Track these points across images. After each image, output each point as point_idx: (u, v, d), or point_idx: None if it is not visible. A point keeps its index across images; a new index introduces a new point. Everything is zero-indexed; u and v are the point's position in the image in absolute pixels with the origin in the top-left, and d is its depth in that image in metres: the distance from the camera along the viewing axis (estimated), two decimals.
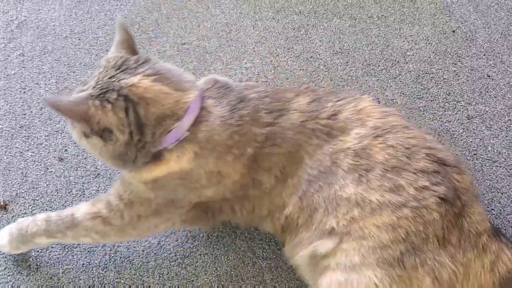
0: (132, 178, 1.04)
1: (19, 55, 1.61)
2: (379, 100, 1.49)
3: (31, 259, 1.16)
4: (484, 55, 1.62)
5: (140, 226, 1.07)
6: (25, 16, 1.73)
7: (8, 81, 1.54)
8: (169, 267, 1.16)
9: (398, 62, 1.60)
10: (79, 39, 1.66)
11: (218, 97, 1.03)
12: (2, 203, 1.24)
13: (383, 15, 1.74)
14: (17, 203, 1.25)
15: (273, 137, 1.01)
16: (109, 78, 0.94)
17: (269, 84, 1.53)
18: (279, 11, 1.75)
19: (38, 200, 1.26)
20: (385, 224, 0.92)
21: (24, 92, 1.51)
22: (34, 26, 1.70)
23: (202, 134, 0.96)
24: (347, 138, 0.99)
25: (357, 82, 1.54)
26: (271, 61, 1.60)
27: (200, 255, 1.17)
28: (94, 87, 0.94)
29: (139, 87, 0.93)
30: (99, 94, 0.92)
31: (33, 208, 1.25)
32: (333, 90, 1.11)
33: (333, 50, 1.63)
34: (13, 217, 1.22)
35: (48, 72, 1.57)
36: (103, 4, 1.77)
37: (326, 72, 1.57)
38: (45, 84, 1.53)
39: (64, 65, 1.58)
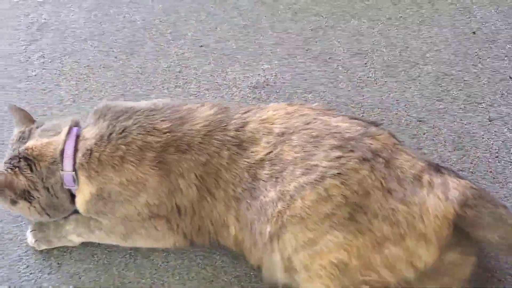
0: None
1: (40, 56, 1.64)
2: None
3: (52, 257, 1.17)
4: (506, 56, 1.60)
5: (134, 240, 1.15)
6: (45, 19, 1.76)
7: (29, 82, 1.56)
8: (189, 267, 1.16)
9: (417, 63, 1.59)
10: (99, 41, 1.67)
11: (95, 121, 1.12)
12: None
13: (401, 16, 1.73)
14: None
15: (175, 143, 1.06)
16: (13, 150, 1.13)
17: (287, 85, 1.53)
18: (297, 12, 1.75)
19: None
20: (314, 201, 0.94)
21: (45, 93, 1.53)
22: (54, 28, 1.72)
23: (81, 160, 1.08)
24: (258, 149, 1.03)
25: (376, 84, 1.53)
26: (289, 62, 1.60)
27: (219, 255, 1.17)
28: (4, 162, 1.12)
29: (30, 149, 1.10)
30: (8, 164, 1.11)
31: None
32: (243, 106, 1.17)
33: (352, 52, 1.62)
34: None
35: (68, 73, 1.59)
36: (122, 7, 1.79)
37: (345, 73, 1.56)
38: (66, 86, 1.55)
39: (84, 66, 1.60)
